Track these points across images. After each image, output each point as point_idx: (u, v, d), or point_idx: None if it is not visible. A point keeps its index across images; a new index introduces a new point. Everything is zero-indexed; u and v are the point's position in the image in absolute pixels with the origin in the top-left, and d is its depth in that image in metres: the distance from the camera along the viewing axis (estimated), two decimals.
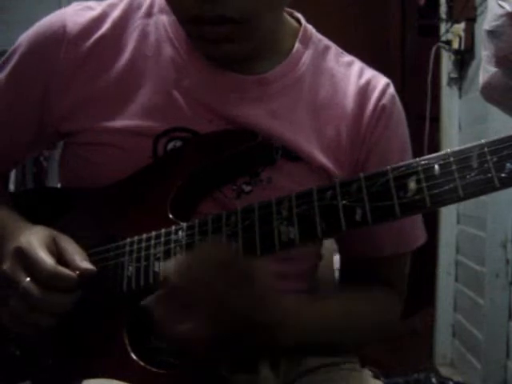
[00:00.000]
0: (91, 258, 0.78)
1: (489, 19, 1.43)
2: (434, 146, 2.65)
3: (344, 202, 0.63)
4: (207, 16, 0.74)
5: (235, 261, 0.68)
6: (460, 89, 2.65)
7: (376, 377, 0.88)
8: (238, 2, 0.73)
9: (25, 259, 0.73)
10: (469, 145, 0.58)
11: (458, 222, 2.62)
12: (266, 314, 0.70)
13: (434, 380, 2.00)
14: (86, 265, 0.74)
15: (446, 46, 2.63)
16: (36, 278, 0.72)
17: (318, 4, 2.78)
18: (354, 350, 0.89)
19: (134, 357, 0.72)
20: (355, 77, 0.89)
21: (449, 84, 2.68)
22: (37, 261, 0.72)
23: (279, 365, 0.83)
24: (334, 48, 0.92)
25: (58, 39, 0.83)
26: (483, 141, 0.57)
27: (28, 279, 0.72)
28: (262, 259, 0.69)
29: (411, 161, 0.61)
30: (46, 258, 0.72)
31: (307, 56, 0.88)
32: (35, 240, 0.74)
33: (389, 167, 0.62)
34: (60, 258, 0.74)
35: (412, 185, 0.60)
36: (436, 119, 2.72)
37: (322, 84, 0.87)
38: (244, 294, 0.67)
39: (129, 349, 0.72)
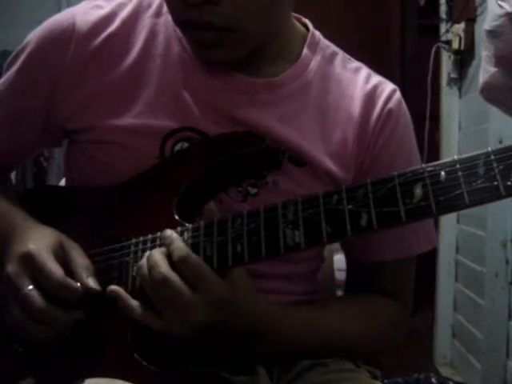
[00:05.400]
0: (96, 257, 0.79)
1: (489, 19, 1.43)
2: (434, 146, 2.65)
3: (350, 206, 0.63)
4: (194, 21, 0.75)
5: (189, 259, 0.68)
6: (460, 89, 2.64)
7: (374, 377, 0.88)
8: (225, 10, 0.73)
9: (32, 265, 0.73)
10: (475, 152, 0.58)
11: (458, 222, 2.62)
12: (236, 319, 0.70)
13: (433, 380, 1.99)
14: (91, 282, 0.74)
15: (446, 46, 2.63)
16: (42, 285, 0.72)
17: (318, 5, 2.78)
18: (347, 358, 0.88)
19: (137, 356, 0.72)
20: (362, 82, 0.89)
21: (449, 84, 2.67)
22: (46, 268, 0.72)
23: (272, 367, 0.83)
24: (342, 54, 0.92)
25: (67, 37, 0.83)
26: (490, 149, 0.57)
27: (31, 287, 0.72)
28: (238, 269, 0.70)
29: (417, 167, 0.61)
30: (56, 267, 0.73)
31: (315, 62, 0.88)
32: (44, 246, 0.74)
33: (395, 173, 0.62)
34: (67, 266, 0.75)
35: (418, 191, 0.60)
36: (436, 119, 2.72)
37: (329, 89, 0.88)
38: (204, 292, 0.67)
39: (132, 348, 0.72)
